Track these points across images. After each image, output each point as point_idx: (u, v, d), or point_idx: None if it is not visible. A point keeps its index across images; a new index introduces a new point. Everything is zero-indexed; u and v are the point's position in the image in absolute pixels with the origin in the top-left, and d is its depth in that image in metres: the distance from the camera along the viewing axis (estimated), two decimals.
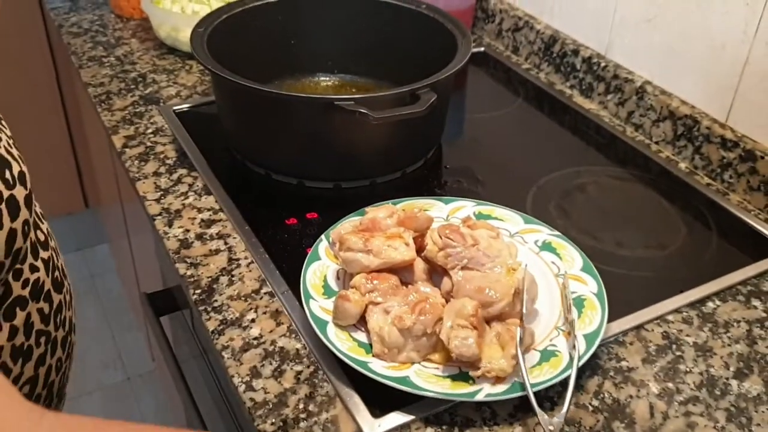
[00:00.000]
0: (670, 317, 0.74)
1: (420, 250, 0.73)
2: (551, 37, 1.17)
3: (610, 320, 0.71)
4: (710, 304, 0.76)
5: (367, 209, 0.78)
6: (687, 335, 0.72)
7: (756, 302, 0.77)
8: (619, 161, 1.00)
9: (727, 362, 0.70)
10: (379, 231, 0.73)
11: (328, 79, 1.10)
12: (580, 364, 0.64)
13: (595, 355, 0.68)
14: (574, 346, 0.65)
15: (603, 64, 1.09)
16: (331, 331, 0.67)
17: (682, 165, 0.98)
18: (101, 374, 1.89)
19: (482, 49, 1.27)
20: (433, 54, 0.96)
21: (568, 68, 1.15)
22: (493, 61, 1.25)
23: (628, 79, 1.05)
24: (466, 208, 0.84)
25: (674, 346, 0.71)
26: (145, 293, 1.09)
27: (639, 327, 0.73)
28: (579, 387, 0.66)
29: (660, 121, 1.01)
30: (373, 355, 0.65)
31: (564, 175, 0.95)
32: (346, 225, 0.76)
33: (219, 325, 0.71)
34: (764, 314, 0.75)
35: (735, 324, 0.74)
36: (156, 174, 0.91)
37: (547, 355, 0.66)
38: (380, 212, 0.75)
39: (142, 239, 1.32)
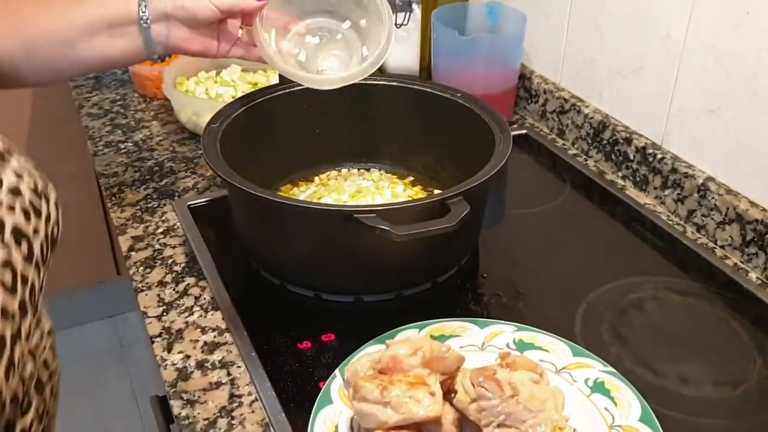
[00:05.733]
0: None
1: (448, 392, 0.63)
2: (601, 122, 1.06)
3: None
4: None
5: (388, 342, 0.68)
6: None
7: None
8: (680, 268, 0.88)
9: None
10: (400, 372, 0.63)
11: (355, 170, 1.01)
12: None
13: None
14: None
15: (659, 156, 0.98)
16: None
17: (753, 275, 0.86)
18: None
19: (524, 131, 1.18)
20: (468, 148, 0.88)
21: (620, 157, 1.04)
22: (536, 145, 1.16)
23: (688, 174, 0.94)
24: (504, 333, 0.74)
25: None
26: (156, 396, 1.00)
27: None
28: None
29: (726, 223, 0.89)
30: None
31: (618, 288, 0.84)
32: (364, 360, 0.66)
33: None
34: None
35: None
36: (161, 284, 0.83)
37: None
38: (402, 348, 0.65)
39: None
